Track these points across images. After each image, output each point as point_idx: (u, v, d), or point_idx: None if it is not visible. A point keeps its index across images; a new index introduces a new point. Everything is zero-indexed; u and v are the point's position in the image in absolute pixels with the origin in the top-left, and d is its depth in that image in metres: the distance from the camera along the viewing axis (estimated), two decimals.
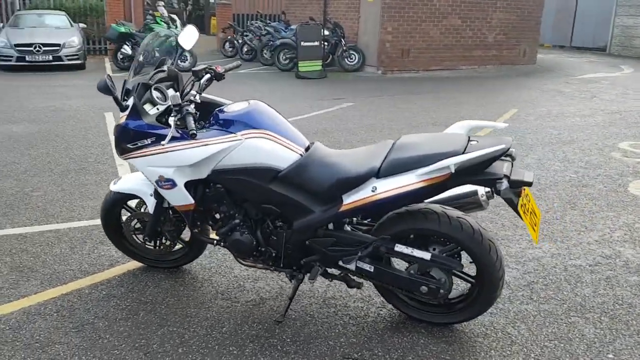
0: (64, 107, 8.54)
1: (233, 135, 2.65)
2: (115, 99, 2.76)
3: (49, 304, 3.02)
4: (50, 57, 12.78)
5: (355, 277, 2.87)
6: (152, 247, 3.33)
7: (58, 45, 12.87)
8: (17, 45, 12.56)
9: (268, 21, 16.55)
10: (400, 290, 2.79)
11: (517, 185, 2.44)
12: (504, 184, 2.39)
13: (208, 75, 2.83)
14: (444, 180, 2.47)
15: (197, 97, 2.73)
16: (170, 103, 2.69)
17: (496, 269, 2.59)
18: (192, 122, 2.56)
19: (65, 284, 3.25)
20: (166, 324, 2.87)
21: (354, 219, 2.91)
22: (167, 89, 2.91)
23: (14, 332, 2.76)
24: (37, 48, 12.65)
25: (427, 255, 2.62)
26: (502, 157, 2.48)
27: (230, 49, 16.54)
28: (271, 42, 14.33)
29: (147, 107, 2.84)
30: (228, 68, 3.00)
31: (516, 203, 2.44)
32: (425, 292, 2.67)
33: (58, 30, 13.55)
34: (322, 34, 12.94)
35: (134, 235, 3.32)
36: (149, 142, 2.75)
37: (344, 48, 13.75)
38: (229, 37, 16.68)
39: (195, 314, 2.97)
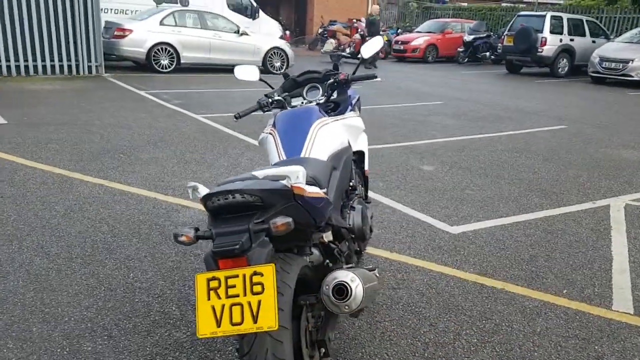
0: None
1: (268, 127, 2.75)
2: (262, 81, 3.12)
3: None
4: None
5: None
6: None
7: (626, 61, 13.30)
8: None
9: None
10: None
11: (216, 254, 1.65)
12: (184, 234, 1.70)
13: (331, 80, 2.92)
14: None
15: (320, 98, 2.88)
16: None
17: None
18: (248, 111, 2.85)
19: None
20: None
21: None
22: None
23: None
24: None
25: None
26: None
27: None
28: None
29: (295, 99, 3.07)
30: (355, 77, 2.88)
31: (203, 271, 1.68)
32: None
33: None
34: None
35: None
36: None
37: None
38: None
39: None
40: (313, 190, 1.90)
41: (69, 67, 10.97)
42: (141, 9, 13.63)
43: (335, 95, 2.94)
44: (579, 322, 2.83)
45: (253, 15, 15.99)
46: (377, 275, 2.60)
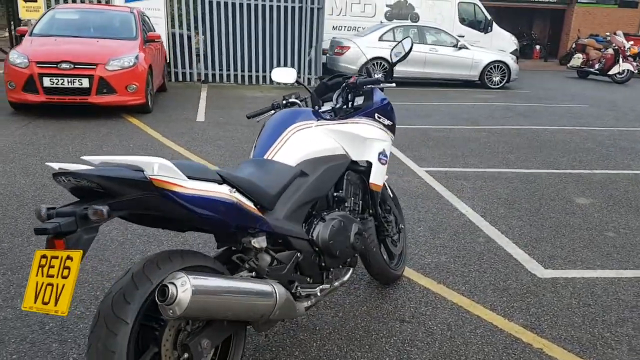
0: None
1: None
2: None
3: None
4: None
5: None
6: None
7: None
8: None
9: None
10: None
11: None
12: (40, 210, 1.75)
13: (344, 85, 2.77)
14: None
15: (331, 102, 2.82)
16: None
17: None
18: (260, 111, 2.88)
19: None
20: None
21: None
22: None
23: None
24: None
25: None
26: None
27: None
28: None
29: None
30: (363, 82, 2.66)
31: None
32: None
33: None
34: None
35: None
36: None
37: None
38: None
39: None
40: (197, 187, 1.82)
41: None
42: (368, 25, 14.26)
43: (361, 100, 2.80)
44: None
45: (485, 29, 15.34)
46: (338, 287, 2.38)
